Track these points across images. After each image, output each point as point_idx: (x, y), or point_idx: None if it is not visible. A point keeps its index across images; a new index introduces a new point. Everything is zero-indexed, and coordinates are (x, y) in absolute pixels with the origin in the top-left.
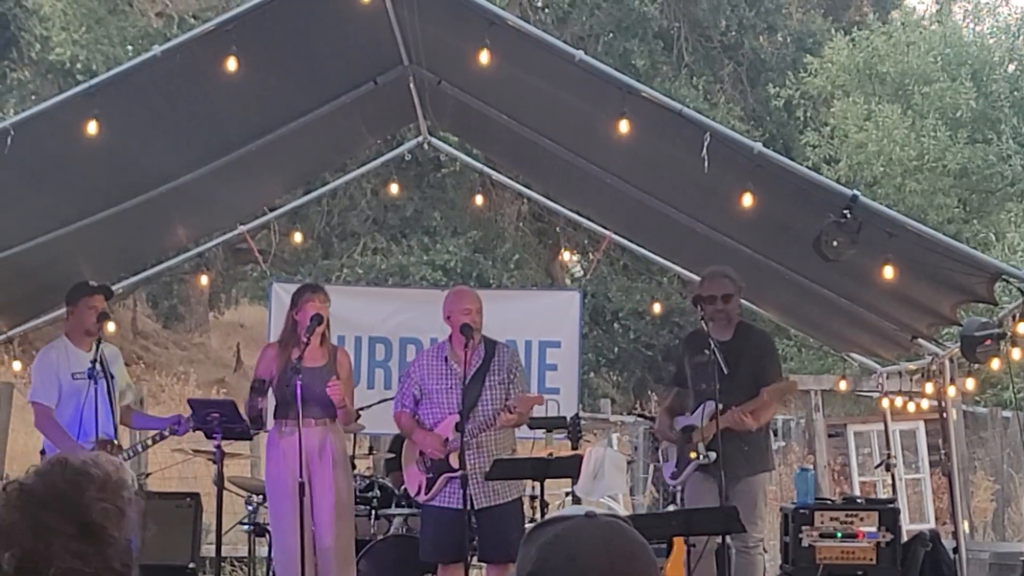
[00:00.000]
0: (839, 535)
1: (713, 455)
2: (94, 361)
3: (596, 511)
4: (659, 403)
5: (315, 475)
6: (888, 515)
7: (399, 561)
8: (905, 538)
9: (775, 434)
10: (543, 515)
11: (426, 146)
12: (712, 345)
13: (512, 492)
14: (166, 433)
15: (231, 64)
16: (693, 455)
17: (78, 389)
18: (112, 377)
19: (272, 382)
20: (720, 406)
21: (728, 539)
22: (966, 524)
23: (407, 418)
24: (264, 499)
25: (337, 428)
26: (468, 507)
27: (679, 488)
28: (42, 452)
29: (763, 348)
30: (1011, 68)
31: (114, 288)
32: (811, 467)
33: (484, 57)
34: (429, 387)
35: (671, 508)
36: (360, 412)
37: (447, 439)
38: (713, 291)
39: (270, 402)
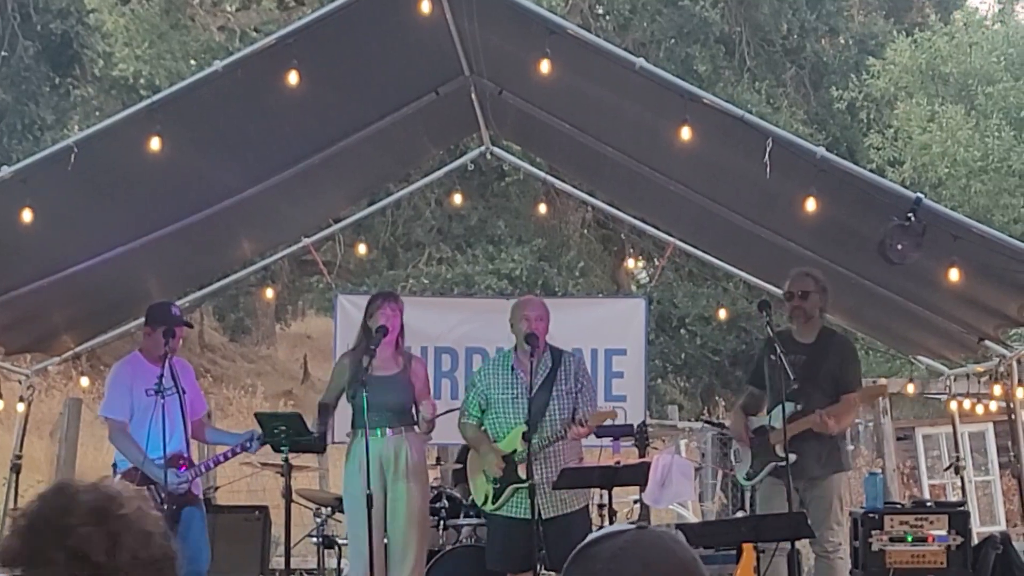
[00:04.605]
0: (909, 539)
1: (794, 457)
2: (161, 376)
3: (645, 524)
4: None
5: (390, 484)
6: (958, 518)
7: (467, 571)
8: (975, 541)
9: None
10: (612, 523)
11: (489, 155)
12: (778, 349)
13: (580, 501)
14: (239, 450)
15: (292, 77)
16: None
17: (151, 405)
18: (184, 392)
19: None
20: (799, 407)
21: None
22: None
23: (472, 429)
24: (332, 511)
25: (414, 436)
26: (536, 517)
27: (752, 489)
28: (114, 466)
29: (845, 354)
30: None
31: (180, 302)
32: (880, 471)
33: (545, 66)
34: (495, 397)
35: (740, 514)
36: None
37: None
38: (792, 288)
39: (346, 411)
